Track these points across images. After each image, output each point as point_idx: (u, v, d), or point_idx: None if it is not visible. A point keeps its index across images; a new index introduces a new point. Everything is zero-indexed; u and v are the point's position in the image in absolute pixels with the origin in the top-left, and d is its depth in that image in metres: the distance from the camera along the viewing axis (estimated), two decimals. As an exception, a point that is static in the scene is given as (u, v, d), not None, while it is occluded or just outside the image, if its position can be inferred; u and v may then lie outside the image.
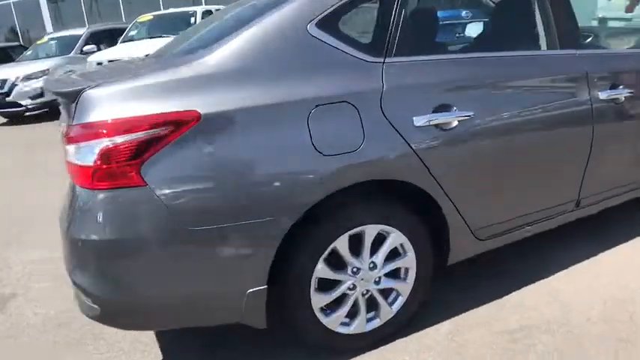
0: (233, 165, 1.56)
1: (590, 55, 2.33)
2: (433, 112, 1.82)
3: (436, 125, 1.82)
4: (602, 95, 2.23)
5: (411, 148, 1.77)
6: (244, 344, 2.07)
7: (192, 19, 9.09)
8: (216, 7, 9.96)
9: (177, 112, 1.49)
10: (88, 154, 1.49)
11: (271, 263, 1.65)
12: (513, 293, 2.30)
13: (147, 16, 9.65)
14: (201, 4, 13.89)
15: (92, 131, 1.48)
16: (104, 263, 1.58)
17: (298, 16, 1.69)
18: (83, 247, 1.58)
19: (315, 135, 1.61)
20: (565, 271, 2.46)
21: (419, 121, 1.78)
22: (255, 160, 1.58)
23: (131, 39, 9.22)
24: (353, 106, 1.68)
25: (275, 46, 1.66)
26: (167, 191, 1.49)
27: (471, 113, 1.88)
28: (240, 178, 1.56)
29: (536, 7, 2.21)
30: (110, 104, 1.50)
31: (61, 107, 1.75)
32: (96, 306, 1.63)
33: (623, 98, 2.29)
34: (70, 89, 1.59)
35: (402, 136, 1.75)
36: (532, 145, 2.09)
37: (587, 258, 2.55)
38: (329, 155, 1.63)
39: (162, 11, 10.46)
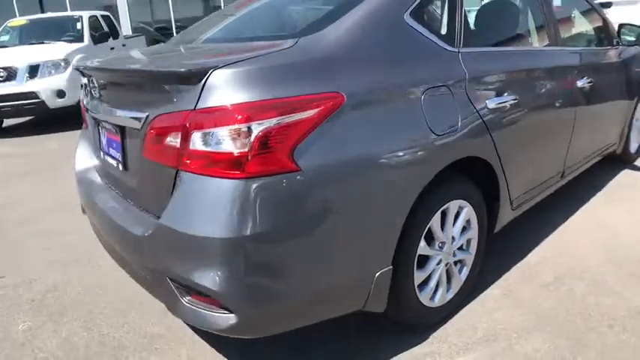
0: (370, 147, 1.57)
1: (574, 52, 2.86)
2: (496, 96, 2.07)
3: (499, 108, 2.07)
4: (580, 84, 2.73)
5: (487, 128, 1.99)
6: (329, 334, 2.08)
7: (79, 25, 8.24)
8: (102, 12, 9.20)
9: (326, 93, 1.46)
10: (233, 140, 1.35)
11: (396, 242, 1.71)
12: (529, 255, 2.67)
13: (20, 21, 8.46)
14: None
15: (236, 115, 1.34)
16: (255, 260, 1.41)
17: (396, 5, 1.81)
18: (227, 246, 1.37)
19: (428, 115, 1.74)
20: (560, 229, 2.94)
21: (491, 104, 2.02)
22: (387, 140, 1.62)
23: (2, 45, 7.98)
24: (450, 90, 1.84)
25: (382, 33, 1.74)
26: (320, 175, 1.43)
27: (517, 97, 2.17)
28: (376, 159, 1.58)
29: (544, 9, 2.64)
30: (250, 85, 1.37)
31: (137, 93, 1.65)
32: (231, 314, 1.46)
33: (588, 87, 2.82)
34: (194, 69, 1.42)
35: (481, 117, 1.96)
36: (549, 126, 2.51)
37: (567, 219, 3.07)
38: (440, 135, 1.77)
39: (39, 15, 9.27)
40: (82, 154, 2.35)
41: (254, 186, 1.36)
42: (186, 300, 1.54)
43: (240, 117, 1.34)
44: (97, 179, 2.17)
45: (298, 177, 1.40)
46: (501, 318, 2.14)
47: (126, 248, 1.74)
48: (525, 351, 1.93)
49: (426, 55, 1.84)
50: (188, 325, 2.16)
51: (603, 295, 2.27)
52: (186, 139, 1.41)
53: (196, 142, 1.39)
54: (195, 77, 1.39)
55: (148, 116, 1.55)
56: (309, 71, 1.49)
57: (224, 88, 1.37)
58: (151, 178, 1.62)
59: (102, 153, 2.05)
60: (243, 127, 1.34)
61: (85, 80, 2.17)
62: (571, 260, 2.59)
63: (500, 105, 2.08)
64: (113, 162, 1.91)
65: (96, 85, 1.93)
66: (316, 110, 1.43)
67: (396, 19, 1.79)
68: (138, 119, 1.60)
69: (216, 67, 1.38)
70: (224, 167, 1.37)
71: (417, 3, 1.86)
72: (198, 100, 1.38)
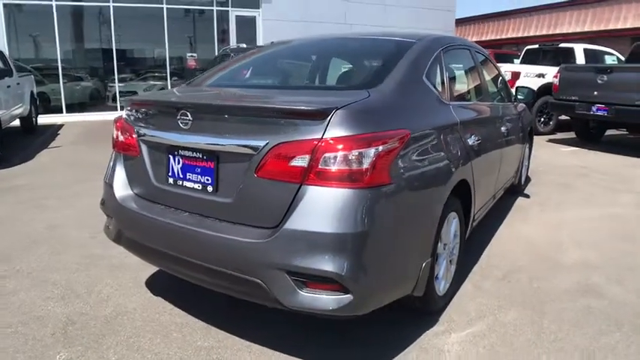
0: (422, 169, 2.19)
1: (497, 105, 3.90)
2: (472, 136, 2.85)
3: (473, 145, 2.85)
4: (502, 129, 3.73)
5: (469, 159, 2.74)
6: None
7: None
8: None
9: (401, 130, 2.06)
10: (356, 161, 1.83)
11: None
12: (481, 259, 3.47)
13: None
14: None
15: (357, 143, 1.84)
16: (367, 250, 1.86)
17: (418, 68, 2.53)
18: (350, 238, 1.81)
19: (445, 148, 2.45)
20: (495, 239, 3.82)
21: (470, 142, 2.80)
22: (430, 164, 2.27)
23: None
24: (452, 131, 2.58)
25: (414, 88, 2.45)
26: (400, 187, 2.00)
27: (480, 137, 2.99)
28: (426, 177, 2.22)
29: (480, 73, 3.60)
30: (361, 122, 1.91)
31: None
32: (347, 295, 1.85)
33: (505, 132, 3.81)
34: (321, 108, 1.88)
35: (467, 151, 2.71)
36: (491, 159, 3.39)
37: (496, 232, 4.00)
38: (452, 162, 2.47)
39: None
40: (123, 182, 2.51)
41: (369, 194, 1.87)
42: (304, 290, 1.90)
43: (360, 144, 1.86)
44: (156, 203, 2.36)
45: (390, 188, 1.96)
46: (482, 302, 2.83)
47: (220, 258, 2.02)
48: (508, 320, 2.63)
49: (436, 105, 2.58)
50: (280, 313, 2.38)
51: (540, 281, 3.12)
52: (315, 160, 1.84)
53: (325, 162, 1.84)
54: (323, 114, 1.87)
55: (267, 143, 1.93)
56: (388, 113, 2.11)
57: (344, 123, 1.88)
58: (262, 194, 1.96)
59: (171, 179, 2.28)
60: (363, 151, 1.86)
61: (141, 112, 2.42)
62: (509, 261, 3.44)
63: (474, 143, 2.88)
64: (196, 185, 2.19)
65: (189, 117, 2.13)
66: (398, 141, 2.03)
67: (419, 78, 2.50)
68: (252, 147, 1.96)
69: (337, 108, 1.89)
70: (348, 180, 1.84)
71: (427, 68, 2.61)
72: (325, 131, 1.85)
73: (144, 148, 2.40)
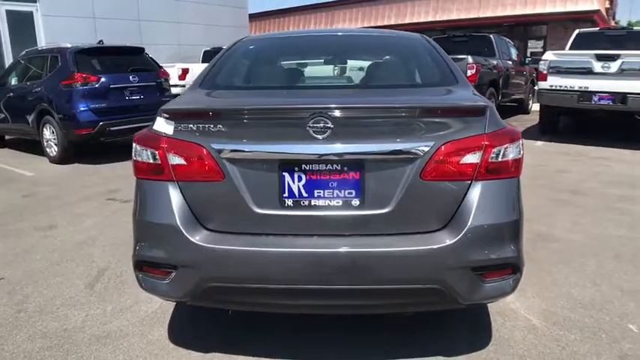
0: None
1: None
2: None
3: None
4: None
5: None
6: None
7: None
8: None
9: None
10: (515, 152, 1.88)
11: None
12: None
13: None
14: None
15: (513, 136, 1.90)
16: (520, 232, 1.94)
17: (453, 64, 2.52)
18: (518, 224, 1.91)
19: None
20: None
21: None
22: None
23: None
24: None
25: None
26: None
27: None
28: None
29: None
30: (498, 117, 1.94)
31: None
32: (518, 275, 1.93)
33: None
34: (481, 105, 1.90)
35: None
36: None
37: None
38: None
39: None
40: (189, 218, 1.86)
41: (518, 182, 1.97)
42: (485, 282, 1.87)
43: (513, 138, 1.90)
44: (259, 235, 1.85)
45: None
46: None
47: (387, 274, 1.79)
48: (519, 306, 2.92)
49: None
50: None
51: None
52: (486, 155, 1.82)
53: (495, 156, 1.84)
54: (482, 110, 1.87)
55: (434, 145, 1.79)
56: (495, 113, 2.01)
57: (493, 119, 1.89)
58: (428, 197, 1.83)
59: (289, 200, 1.84)
60: (516, 143, 1.91)
61: (220, 123, 1.82)
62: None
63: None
64: (333, 202, 1.83)
65: (328, 124, 1.76)
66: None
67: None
68: (416, 150, 1.80)
69: (487, 105, 1.90)
70: (510, 172, 1.90)
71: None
72: (486, 127, 1.85)
73: (234, 170, 1.82)
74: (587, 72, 7.11)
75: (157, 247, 1.88)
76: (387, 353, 2.18)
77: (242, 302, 1.93)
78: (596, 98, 7.08)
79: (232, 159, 1.81)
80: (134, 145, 1.95)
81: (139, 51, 7.10)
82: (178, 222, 1.82)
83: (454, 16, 22.34)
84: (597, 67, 6.99)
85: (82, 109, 6.09)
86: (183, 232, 1.81)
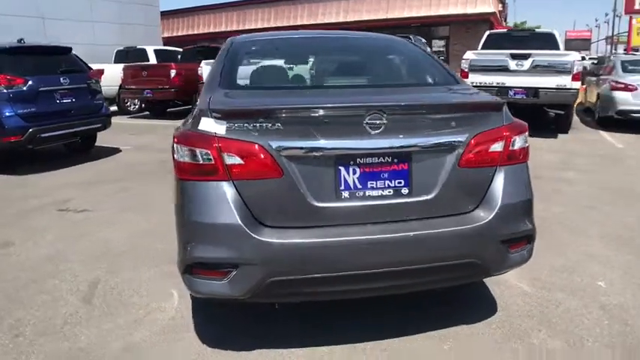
0: None
1: None
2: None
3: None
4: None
5: None
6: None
7: None
8: None
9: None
10: (524, 140, 2.16)
11: None
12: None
13: None
14: None
15: (525, 127, 2.19)
16: (532, 209, 2.24)
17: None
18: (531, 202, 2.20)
19: None
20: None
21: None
22: None
23: None
24: None
25: None
26: None
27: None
28: None
29: None
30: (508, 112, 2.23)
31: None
32: (532, 244, 2.24)
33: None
34: (500, 101, 2.17)
35: None
36: None
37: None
38: None
39: None
40: (247, 216, 1.87)
41: (527, 166, 2.26)
42: (511, 252, 2.13)
43: (524, 128, 2.20)
44: (316, 227, 1.93)
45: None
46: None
47: (436, 253, 1.99)
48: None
49: None
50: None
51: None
52: (507, 144, 2.09)
53: (513, 144, 2.12)
54: (501, 106, 2.15)
55: (467, 136, 2.02)
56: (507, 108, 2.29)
57: (507, 113, 2.19)
58: (464, 183, 2.06)
59: (345, 192, 1.95)
60: (527, 133, 2.21)
61: (276, 122, 1.86)
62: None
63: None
64: (385, 192, 1.98)
65: (383, 120, 1.89)
66: None
67: None
68: (455, 141, 2.02)
69: (503, 101, 2.19)
70: (523, 157, 2.20)
71: None
72: (504, 120, 2.13)
73: (292, 166, 1.88)
74: (504, 69, 7.94)
75: (215, 247, 1.86)
76: (417, 328, 2.35)
77: (301, 293, 1.99)
78: (512, 93, 7.92)
79: (290, 156, 1.87)
80: (177, 146, 1.91)
81: (66, 51, 6.53)
82: (240, 220, 1.83)
83: (364, 17, 23.30)
84: (512, 65, 7.85)
85: (7, 114, 5.45)
86: (246, 230, 1.82)
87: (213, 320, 2.47)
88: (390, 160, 1.96)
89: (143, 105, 12.68)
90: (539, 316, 2.49)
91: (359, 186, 1.94)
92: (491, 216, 2.03)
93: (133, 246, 3.48)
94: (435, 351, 2.20)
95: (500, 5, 23.09)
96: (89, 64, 6.79)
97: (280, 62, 2.78)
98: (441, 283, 2.19)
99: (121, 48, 13.46)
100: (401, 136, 1.94)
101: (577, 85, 7.61)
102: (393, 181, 1.97)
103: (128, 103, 12.61)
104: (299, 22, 24.95)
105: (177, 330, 2.39)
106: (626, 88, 8.33)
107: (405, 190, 1.98)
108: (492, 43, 9.24)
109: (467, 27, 19.84)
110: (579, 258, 3.19)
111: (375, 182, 1.95)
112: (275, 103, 1.99)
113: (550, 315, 2.49)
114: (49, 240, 3.63)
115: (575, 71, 7.41)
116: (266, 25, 25.81)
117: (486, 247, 2.05)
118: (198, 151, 1.85)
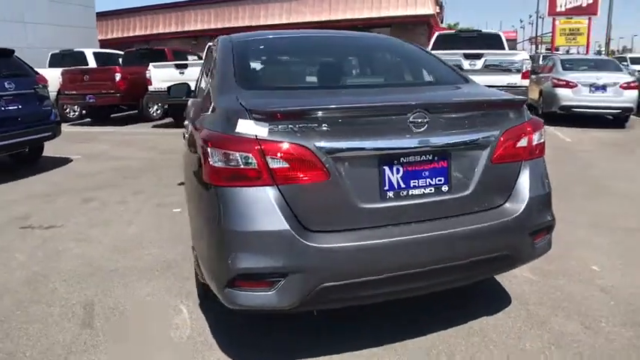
0: None
1: None
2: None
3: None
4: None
5: None
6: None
7: None
8: None
9: None
10: (542, 134, 2.26)
11: None
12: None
13: None
14: None
15: (540, 123, 2.27)
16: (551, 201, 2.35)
17: None
18: (546, 197, 2.26)
19: None
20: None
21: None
22: None
23: None
24: None
25: None
26: None
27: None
28: None
29: None
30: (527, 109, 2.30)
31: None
32: (550, 234, 2.32)
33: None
34: (522, 99, 2.24)
35: None
36: None
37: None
38: None
39: None
40: (293, 221, 1.79)
41: (544, 161, 2.35)
42: (536, 242, 2.21)
43: (542, 124, 2.29)
44: (363, 229, 1.89)
45: None
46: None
47: (475, 248, 2.02)
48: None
49: None
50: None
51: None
52: (530, 139, 2.17)
53: (535, 140, 2.20)
54: (523, 103, 2.23)
55: (499, 132, 2.08)
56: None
57: (527, 110, 2.27)
58: (496, 178, 2.10)
59: (390, 192, 1.93)
60: (543, 129, 2.30)
61: (319, 123, 1.80)
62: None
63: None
64: (426, 190, 1.98)
65: (426, 118, 1.89)
66: None
67: None
68: (489, 138, 2.06)
69: (525, 99, 2.29)
70: (542, 151, 2.27)
71: None
72: (525, 116, 2.21)
73: (337, 167, 1.83)
74: (458, 69, 8.27)
75: (263, 256, 1.76)
76: (448, 322, 2.37)
77: (349, 298, 1.93)
78: (465, 91, 8.29)
79: (336, 157, 1.81)
80: (211, 150, 1.79)
81: (8, 53, 5.98)
82: (289, 227, 1.74)
83: (307, 19, 23.40)
84: (466, 64, 8.19)
85: (-55, 124, 4.92)
86: (296, 236, 1.74)
87: (235, 336, 2.35)
88: (430, 158, 1.96)
89: (84, 111, 11.93)
90: (550, 302, 2.60)
91: (402, 185, 1.92)
92: (522, 209, 2.09)
93: (117, 261, 3.24)
94: (468, 345, 2.23)
95: (437, 7, 24.06)
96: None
97: (295, 62, 2.71)
98: (476, 277, 2.25)
99: (57, 51, 12.56)
100: (442, 133, 1.95)
101: (526, 82, 8.10)
102: (433, 179, 1.97)
103: (67, 110, 11.77)
104: (240, 24, 24.58)
105: (199, 349, 2.24)
106: (568, 85, 8.98)
107: (445, 188, 1.99)
108: (442, 43, 9.60)
109: (407, 28, 20.51)
110: (571, 245, 3.37)
111: (417, 181, 1.94)
112: (318, 103, 1.91)
113: (559, 300, 2.61)
114: (22, 261, 3.29)
115: (524, 70, 7.87)
116: (205, 27, 25.21)
117: (518, 239, 2.12)
118: (239, 155, 1.74)
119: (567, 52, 25.98)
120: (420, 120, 1.88)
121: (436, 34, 10.28)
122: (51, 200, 4.81)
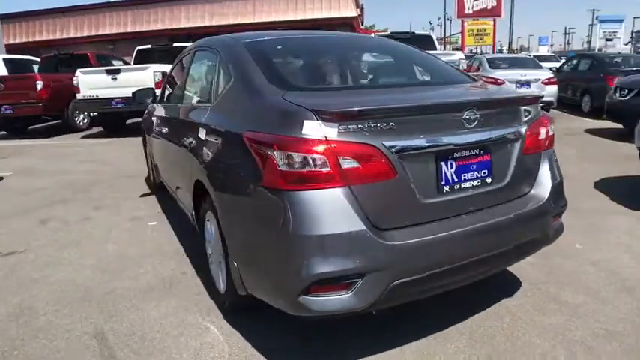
0: None
1: None
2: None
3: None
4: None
5: None
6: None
7: None
8: None
9: None
10: (550, 128, 2.43)
11: None
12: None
13: None
14: None
15: (549, 118, 2.44)
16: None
17: None
18: (561, 183, 2.45)
19: None
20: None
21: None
22: None
23: None
24: None
25: None
26: None
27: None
28: None
29: None
30: None
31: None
32: (561, 219, 2.50)
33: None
34: (538, 95, 2.44)
35: None
36: None
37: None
38: None
39: None
40: (365, 220, 1.78)
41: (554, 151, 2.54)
42: (555, 224, 2.39)
43: (551, 118, 2.49)
44: (424, 224, 1.95)
45: None
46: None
47: (518, 235, 2.18)
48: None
49: None
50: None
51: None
52: (547, 131, 2.37)
53: (549, 131, 2.39)
54: (538, 99, 2.40)
55: (527, 126, 2.26)
56: None
57: (537, 105, 2.43)
58: (526, 168, 2.27)
59: (447, 187, 2.01)
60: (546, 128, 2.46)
61: (385, 122, 1.82)
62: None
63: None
64: (474, 183, 2.09)
65: (476, 115, 2.00)
66: None
67: None
68: (520, 131, 2.23)
69: (541, 94, 2.56)
70: (553, 143, 2.46)
71: None
72: (539, 111, 2.39)
73: (403, 165, 1.87)
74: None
75: (341, 258, 1.72)
76: (476, 307, 2.48)
77: (414, 292, 1.97)
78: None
79: (402, 155, 1.85)
80: (277, 153, 1.73)
81: None
82: (365, 227, 1.74)
83: (231, 21, 23.01)
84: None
85: None
86: (373, 235, 1.74)
87: (281, 349, 2.26)
88: (477, 152, 2.08)
89: (-2, 124, 10.76)
90: (553, 279, 2.82)
91: (455, 179, 2.02)
92: (548, 195, 2.28)
93: (110, 282, 2.98)
94: (504, 325, 2.36)
95: (358, 10, 24.81)
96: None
97: (319, 62, 2.68)
98: (514, 261, 2.41)
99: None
100: (486, 129, 2.07)
101: (463, 80, 8.64)
102: (480, 172, 2.09)
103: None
104: (159, 27, 23.58)
105: (245, 364, 2.14)
106: (496, 82, 9.70)
107: (489, 180, 2.12)
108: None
109: (333, 30, 20.94)
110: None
111: (467, 174, 2.05)
112: (382, 102, 1.94)
113: (561, 277, 2.85)
114: (-5, 293, 2.91)
115: (461, 69, 8.38)
116: (122, 31, 23.84)
117: (546, 223, 2.29)
118: (310, 157, 1.71)
119: (471, 52, 27.72)
120: (472, 116, 1.98)
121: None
122: (1, 225, 4.29)
